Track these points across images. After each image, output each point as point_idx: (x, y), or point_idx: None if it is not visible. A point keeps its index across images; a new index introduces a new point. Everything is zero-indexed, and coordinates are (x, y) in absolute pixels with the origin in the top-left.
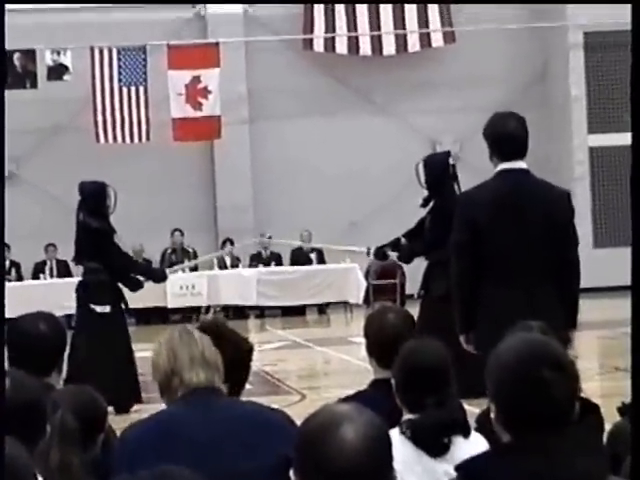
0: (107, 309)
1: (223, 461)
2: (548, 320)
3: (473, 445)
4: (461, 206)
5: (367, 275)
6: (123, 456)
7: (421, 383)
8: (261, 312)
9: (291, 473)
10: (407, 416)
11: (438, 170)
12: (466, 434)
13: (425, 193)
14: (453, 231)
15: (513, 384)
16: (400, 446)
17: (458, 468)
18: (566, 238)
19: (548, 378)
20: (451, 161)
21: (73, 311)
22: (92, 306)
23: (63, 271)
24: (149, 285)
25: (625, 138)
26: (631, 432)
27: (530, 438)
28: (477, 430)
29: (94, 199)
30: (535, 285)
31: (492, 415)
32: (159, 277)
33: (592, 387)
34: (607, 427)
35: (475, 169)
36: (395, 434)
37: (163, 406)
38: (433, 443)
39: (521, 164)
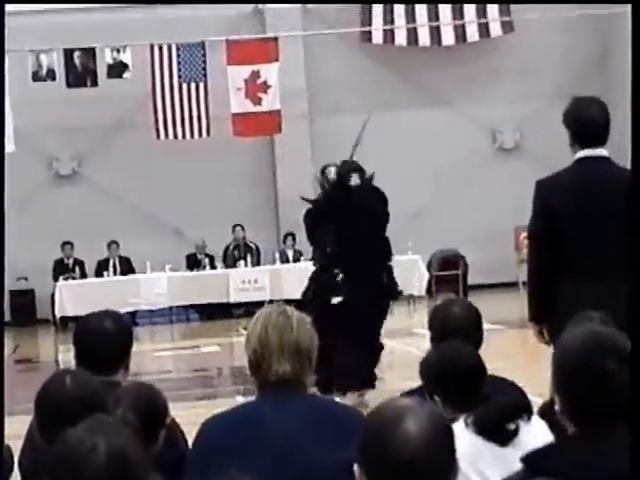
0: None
1: (297, 459)
2: (623, 313)
3: (535, 428)
4: (538, 194)
5: (429, 266)
6: (198, 452)
7: (466, 384)
8: None
9: (355, 468)
10: (464, 414)
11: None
12: (529, 417)
13: None
14: (530, 219)
15: (578, 376)
16: (467, 439)
17: (524, 460)
18: None
19: (612, 370)
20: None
21: (137, 308)
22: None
23: (126, 268)
24: (212, 281)
25: None
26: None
27: (595, 430)
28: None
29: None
30: (613, 277)
31: (557, 406)
32: None
33: None
34: None
35: (535, 157)
36: (460, 428)
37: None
38: (500, 431)
39: (602, 151)
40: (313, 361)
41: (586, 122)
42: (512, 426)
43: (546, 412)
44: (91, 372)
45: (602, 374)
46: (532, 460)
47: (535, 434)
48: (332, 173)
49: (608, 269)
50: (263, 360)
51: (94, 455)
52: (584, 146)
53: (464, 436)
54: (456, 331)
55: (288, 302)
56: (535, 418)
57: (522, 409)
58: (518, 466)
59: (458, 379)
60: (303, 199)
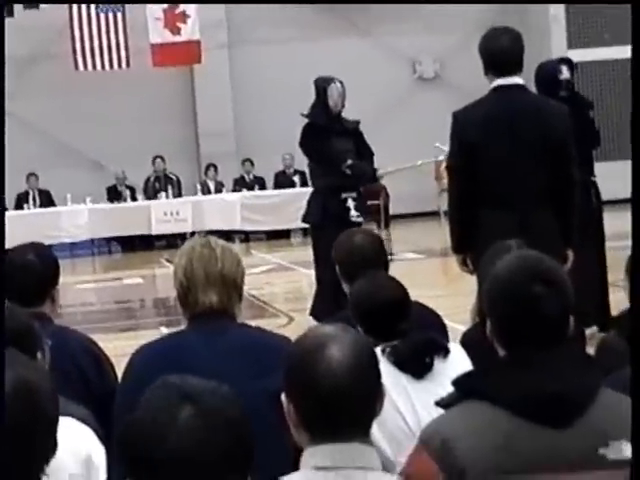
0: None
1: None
2: (544, 239)
3: (454, 359)
4: (454, 126)
5: None
6: (128, 383)
7: (387, 318)
8: (246, 236)
9: (282, 397)
10: (382, 345)
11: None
12: (445, 354)
13: None
14: (449, 152)
15: (504, 301)
16: (384, 369)
17: (455, 383)
18: (562, 155)
19: (539, 294)
20: (563, 74)
21: (57, 240)
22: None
23: (45, 201)
24: (133, 213)
25: (604, 52)
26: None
27: (523, 353)
28: (463, 347)
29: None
30: (531, 204)
31: (488, 331)
32: None
33: None
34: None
35: (455, 87)
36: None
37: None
38: (417, 364)
39: (517, 79)
40: (241, 290)
41: (496, 51)
42: (427, 360)
43: (468, 340)
44: (17, 304)
45: (528, 298)
46: (462, 383)
47: (454, 365)
48: (335, 95)
49: (524, 196)
50: (189, 292)
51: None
52: (498, 75)
53: (381, 365)
54: (362, 261)
55: (210, 233)
56: (454, 349)
57: (436, 347)
58: (436, 396)
59: (377, 313)
60: (302, 115)
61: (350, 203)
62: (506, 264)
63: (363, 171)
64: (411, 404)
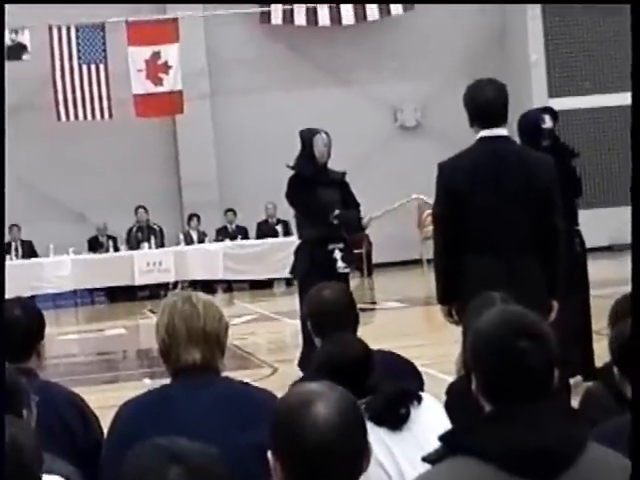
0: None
1: (210, 441)
2: (529, 288)
3: (428, 409)
4: (440, 176)
5: None
6: (114, 438)
7: (354, 375)
8: (229, 286)
9: (269, 454)
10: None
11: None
12: (418, 401)
13: None
14: (434, 202)
15: (489, 355)
16: None
17: (441, 439)
18: (547, 205)
19: (524, 348)
20: (546, 123)
21: (40, 291)
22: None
23: (28, 252)
24: (116, 263)
25: (585, 101)
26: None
27: (508, 408)
28: (448, 400)
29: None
30: (516, 253)
31: (473, 386)
32: None
33: None
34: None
35: (437, 135)
36: None
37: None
38: (393, 417)
39: (501, 131)
40: (224, 345)
41: (481, 103)
42: (402, 411)
43: (455, 391)
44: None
45: (513, 352)
46: (448, 439)
47: (426, 410)
48: (320, 146)
49: (511, 246)
50: (172, 349)
51: None
52: (483, 126)
53: None
54: (332, 315)
55: (193, 283)
56: (427, 399)
57: (409, 396)
58: (415, 444)
59: (343, 371)
60: (288, 166)
61: (337, 254)
62: (489, 318)
63: (349, 218)
64: (391, 455)
